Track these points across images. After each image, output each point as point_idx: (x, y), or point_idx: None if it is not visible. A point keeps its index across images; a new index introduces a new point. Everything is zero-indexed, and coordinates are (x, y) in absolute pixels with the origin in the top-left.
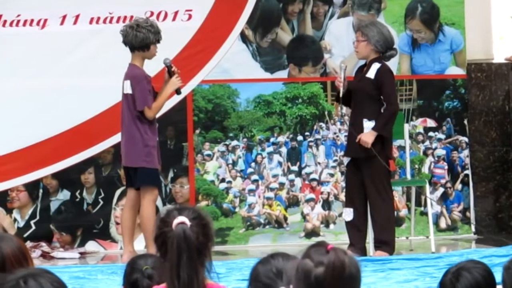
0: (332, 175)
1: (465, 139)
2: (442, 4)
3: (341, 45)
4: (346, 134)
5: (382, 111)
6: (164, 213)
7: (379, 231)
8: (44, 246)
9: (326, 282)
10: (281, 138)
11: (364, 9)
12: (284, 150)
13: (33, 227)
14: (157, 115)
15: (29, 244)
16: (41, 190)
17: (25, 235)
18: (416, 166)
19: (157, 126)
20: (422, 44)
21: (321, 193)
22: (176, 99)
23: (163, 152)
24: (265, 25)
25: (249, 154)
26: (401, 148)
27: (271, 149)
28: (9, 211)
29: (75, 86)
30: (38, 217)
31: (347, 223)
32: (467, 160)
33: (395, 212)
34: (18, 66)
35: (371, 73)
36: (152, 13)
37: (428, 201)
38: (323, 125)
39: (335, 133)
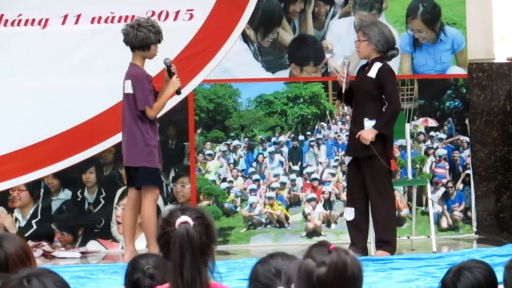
0: (333, 175)
1: (467, 138)
2: (444, 3)
3: (343, 44)
4: (347, 133)
5: (383, 110)
6: (167, 213)
7: (380, 231)
8: (46, 246)
9: (328, 282)
10: (283, 138)
11: (365, 9)
12: (285, 149)
13: (34, 227)
14: (158, 115)
15: (30, 243)
16: (42, 190)
17: (26, 234)
18: (418, 165)
19: (158, 125)
20: (424, 43)
21: (323, 192)
22: (177, 98)
23: (164, 152)
24: (267, 24)
25: (250, 154)
26: (403, 148)
27: (272, 148)
28: (10, 210)
29: (76, 86)
30: (39, 217)
31: (348, 222)
32: (469, 160)
33: (396, 212)
34: (20, 66)
35: (372, 73)
36: (153, 13)
37: (429, 199)
38: (325, 124)
39: (336, 133)
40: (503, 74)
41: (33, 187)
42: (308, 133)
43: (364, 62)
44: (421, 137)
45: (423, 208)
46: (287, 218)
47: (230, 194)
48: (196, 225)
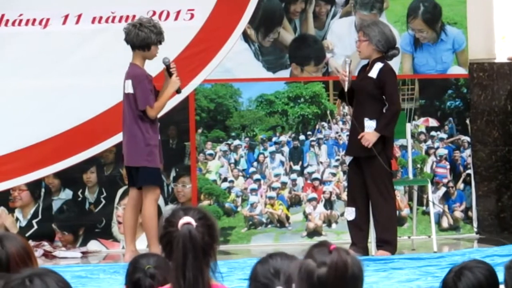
0: (334, 175)
1: (467, 138)
2: (444, 3)
3: (343, 44)
4: (348, 133)
5: (384, 110)
6: (169, 213)
7: (381, 231)
8: (46, 246)
9: (329, 282)
10: (283, 138)
11: (366, 8)
12: (286, 149)
13: (35, 227)
14: (159, 115)
15: (31, 243)
16: (43, 190)
17: (27, 234)
18: (418, 165)
19: (158, 125)
20: (424, 43)
21: (323, 192)
22: (177, 98)
23: (165, 152)
24: (267, 24)
25: (251, 154)
26: (403, 148)
27: (273, 148)
28: (11, 210)
29: (77, 86)
30: (40, 217)
31: (349, 222)
32: (469, 160)
33: (397, 212)
34: (20, 66)
35: (373, 73)
36: (154, 13)
37: (430, 199)
38: (325, 124)
39: (337, 133)
40: (504, 74)
41: (34, 187)
42: (309, 133)
43: (365, 62)
44: (422, 137)
45: (424, 207)
46: (288, 218)
47: (231, 194)
48: (199, 226)
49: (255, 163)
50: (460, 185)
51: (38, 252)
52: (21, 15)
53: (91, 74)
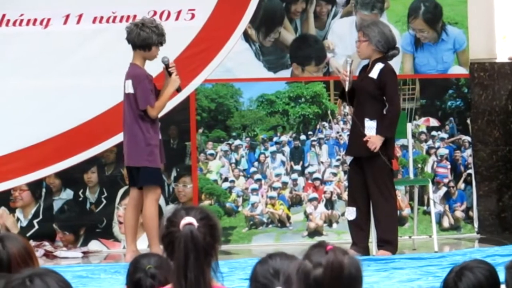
0: (335, 174)
1: (468, 138)
2: (445, 3)
3: (344, 44)
4: (349, 133)
5: (384, 111)
6: (171, 213)
7: (382, 230)
8: (47, 245)
9: (324, 283)
10: (284, 138)
11: (367, 8)
12: (287, 149)
13: (36, 227)
14: (160, 115)
15: (32, 243)
16: (44, 190)
17: (28, 234)
18: (419, 165)
19: (159, 125)
20: (425, 43)
21: (324, 192)
22: (178, 98)
23: (166, 152)
24: (268, 24)
25: (252, 154)
26: (404, 147)
27: (274, 148)
28: (12, 210)
29: (78, 86)
30: (41, 217)
31: (350, 222)
32: (470, 160)
33: (398, 211)
34: (21, 66)
35: (374, 73)
36: (155, 13)
37: (431, 199)
38: (326, 124)
39: (338, 132)
40: (505, 74)
41: (34, 187)
42: (310, 132)
43: (366, 62)
44: (423, 136)
45: (425, 207)
46: (288, 218)
47: (232, 194)
48: (201, 226)
49: (256, 163)
50: (461, 185)
51: (39, 252)
52: (22, 15)
53: (92, 74)
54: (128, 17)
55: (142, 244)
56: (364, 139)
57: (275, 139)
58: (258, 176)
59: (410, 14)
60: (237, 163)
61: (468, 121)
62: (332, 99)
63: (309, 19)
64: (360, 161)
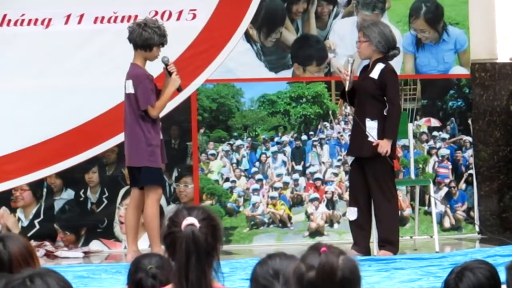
0: (336, 175)
1: (469, 138)
2: (446, 3)
3: (346, 44)
4: (350, 133)
5: (385, 112)
6: (173, 212)
7: (383, 231)
8: (48, 245)
9: (317, 286)
10: (285, 138)
11: (368, 8)
12: (288, 149)
13: (37, 226)
14: (161, 114)
15: (33, 243)
16: (45, 189)
17: (29, 234)
18: (420, 165)
19: (160, 125)
20: (426, 43)
21: (325, 192)
22: (179, 98)
23: (167, 152)
24: (270, 24)
25: (253, 154)
26: (405, 148)
27: (275, 148)
28: (13, 210)
29: (79, 86)
30: (42, 216)
31: (351, 222)
32: (471, 160)
33: (399, 212)
34: (23, 66)
35: (375, 73)
36: (156, 13)
37: (432, 200)
38: (327, 124)
39: (339, 133)
40: (506, 74)
41: (35, 187)
42: (311, 133)
43: (366, 62)
44: (424, 137)
45: (426, 208)
46: (290, 218)
47: (233, 194)
48: (203, 227)
49: (257, 163)
50: (462, 185)
51: (40, 252)
52: (23, 15)
53: (93, 74)
54: (129, 17)
55: (143, 244)
56: (373, 144)
57: (276, 139)
58: (259, 176)
59: (411, 15)
60: (238, 163)
61: (469, 121)
62: (334, 99)
63: (310, 19)
64: (361, 161)
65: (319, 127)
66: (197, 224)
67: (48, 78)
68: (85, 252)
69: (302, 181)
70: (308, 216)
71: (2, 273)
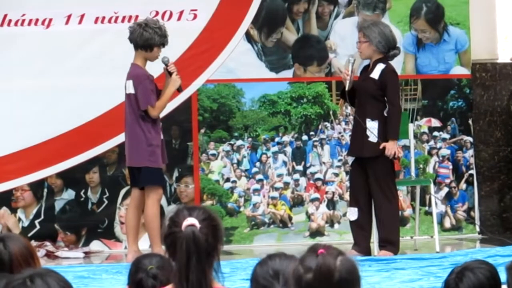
0: (337, 175)
1: (470, 138)
2: (447, 4)
3: (346, 44)
4: (351, 133)
5: (385, 113)
6: (174, 212)
7: (383, 231)
8: (49, 246)
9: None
10: (286, 138)
11: (369, 9)
12: (289, 149)
13: (38, 227)
14: (162, 115)
15: (33, 243)
16: (45, 190)
17: (30, 234)
18: (421, 165)
19: (161, 125)
20: (427, 44)
21: (326, 192)
22: (180, 98)
23: (168, 152)
24: (270, 24)
25: (254, 154)
26: (406, 148)
27: (276, 148)
28: (13, 210)
29: (79, 86)
30: (42, 217)
31: (352, 222)
32: (472, 160)
33: (400, 212)
34: (23, 66)
35: (375, 74)
36: (157, 13)
37: (433, 199)
38: (328, 124)
39: (339, 133)
40: (507, 74)
41: (36, 187)
42: (312, 133)
43: (367, 62)
44: (425, 137)
45: (427, 208)
46: (290, 218)
47: (234, 194)
48: (203, 227)
49: (257, 163)
50: (463, 185)
51: (40, 252)
52: (23, 15)
53: (94, 74)
54: (130, 17)
55: (144, 245)
56: (380, 147)
57: (277, 139)
58: (260, 176)
59: (412, 15)
60: (239, 163)
61: (470, 121)
62: (334, 99)
63: (311, 20)
64: (362, 161)
65: (319, 127)
66: (198, 225)
67: (48, 78)
68: (85, 252)
69: (303, 181)
70: (308, 216)
71: (2, 273)
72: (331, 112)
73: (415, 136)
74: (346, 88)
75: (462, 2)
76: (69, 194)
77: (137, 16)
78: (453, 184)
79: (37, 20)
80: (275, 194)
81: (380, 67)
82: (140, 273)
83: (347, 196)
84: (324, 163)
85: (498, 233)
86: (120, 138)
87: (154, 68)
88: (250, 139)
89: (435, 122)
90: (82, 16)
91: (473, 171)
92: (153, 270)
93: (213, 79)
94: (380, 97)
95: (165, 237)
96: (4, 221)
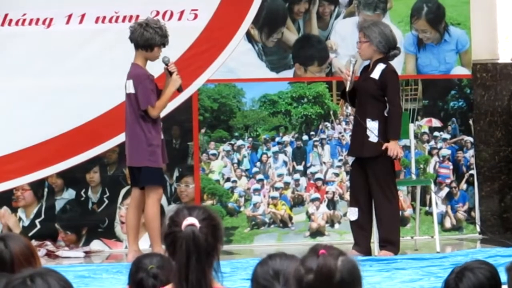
0: (337, 175)
1: (470, 139)
2: (448, 4)
3: (347, 44)
4: (351, 133)
5: (385, 113)
6: (174, 212)
7: (384, 231)
8: (49, 245)
9: None
10: (287, 138)
11: (370, 9)
12: (289, 149)
13: (38, 226)
14: (162, 114)
15: (34, 243)
16: (46, 189)
17: (30, 234)
18: (421, 165)
19: (161, 125)
20: (428, 44)
21: (326, 192)
22: (181, 98)
23: (168, 152)
24: (271, 24)
25: (254, 154)
26: (406, 148)
27: (276, 148)
28: (14, 210)
29: (80, 85)
30: (43, 216)
31: (352, 222)
32: (472, 160)
33: (400, 212)
34: (24, 65)
35: (375, 74)
36: (157, 13)
37: (433, 199)
38: (328, 124)
39: (340, 133)
40: (507, 75)
41: (37, 186)
42: (312, 133)
43: (367, 62)
44: (425, 137)
45: (427, 208)
46: (290, 218)
47: (234, 194)
48: (203, 227)
49: (258, 163)
50: (463, 186)
51: (41, 252)
52: (24, 14)
53: (94, 74)
54: (131, 17)
55: (144, 244)
56: (383, 148)
57: (277, 139)
58: (260, 176)
59: (412, 15)
60: (239, 163)
61: (470, 121)
62: (335, 99)
63: (312, 20)
64: (362, 161)
65: (320, 127)
66: (198, 224)
67: (49, 78)
68: (86, 252)
69: (303, 181)
70: (309, 216)
71: (3, 273)
72: (331, 112)
73: (416, 136)
74: (347, 89)
75: (463, 2)
76: (70, 194)
77: (137, 16)
78: (454, 184)
79: (37, 19)
80: (276, 194)
81: (380, 67)
82: (141, 272)
83: (347, 196)
84: (324, 163)
85: (498, 233)
86: (121, 138)
87: (155, 68)
88: (250, 139)
89: (436, 122)
90: (83, 16)
91: (473, 171)
92: (154, 269)
93: (213, 79)
94: (381, 97)
95: (165, 236)
96: (4, 221)
